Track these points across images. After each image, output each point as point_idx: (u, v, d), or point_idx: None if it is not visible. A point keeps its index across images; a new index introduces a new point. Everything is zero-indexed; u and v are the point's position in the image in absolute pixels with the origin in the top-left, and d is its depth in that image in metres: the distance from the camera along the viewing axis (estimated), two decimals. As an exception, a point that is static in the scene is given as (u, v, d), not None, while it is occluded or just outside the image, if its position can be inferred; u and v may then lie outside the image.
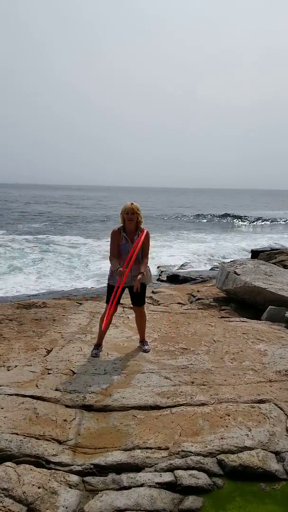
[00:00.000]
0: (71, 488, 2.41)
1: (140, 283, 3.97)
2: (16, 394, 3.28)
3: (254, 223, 35.58)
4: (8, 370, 3.79)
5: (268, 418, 3.12)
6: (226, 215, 40.50)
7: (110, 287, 4.12)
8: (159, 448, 2.74)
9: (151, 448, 2.74)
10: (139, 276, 3.87)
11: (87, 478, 2.50)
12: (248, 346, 4.61)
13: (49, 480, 2.43)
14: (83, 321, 5.31)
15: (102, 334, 4.29)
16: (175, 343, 4.64)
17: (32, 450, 2.64)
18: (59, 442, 2.77)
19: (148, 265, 4.15)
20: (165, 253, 16.42)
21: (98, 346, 4.28)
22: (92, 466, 2.57)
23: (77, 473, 2.52)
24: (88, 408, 3.19)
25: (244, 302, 6.60)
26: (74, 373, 3.76)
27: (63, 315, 5.57)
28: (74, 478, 2.48)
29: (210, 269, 13.43)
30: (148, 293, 7.56)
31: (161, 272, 12.40)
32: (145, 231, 4.04)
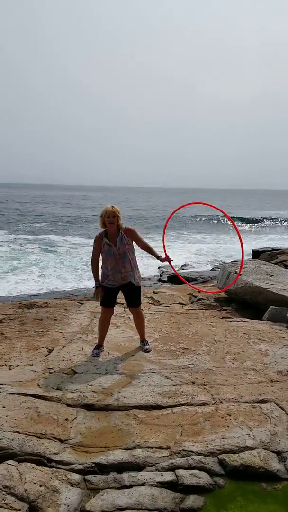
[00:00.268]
0: (73, 486, 2.42)
1: (133, 285, 4.12)
2: (18, 393, 3.29)
3: (255, 224, 35.56)
4: (10, 369, 3.80)
5: (270, 418, 3.12)
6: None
7: (104, 289, 4.17)
8: (160, 448, 2.75)
9: (152, 448, 2.74)
10: (168, 260, 4.19)
11: (88, 477, 2.51)
12: (249, 346, 4.61)
13: (51, 478, 2.44)
14: (84, 321, 5.33)
15: (102, 336, 4.33)
16: (176, 343, 4.64)
17: (34, 448, 2.65)
18: (61, 441, 2.77)
19: (139, 267, 4.28)
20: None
21: (99, 346, 4.30)
22: (93, 465, 2.57)
23: (78, 471, 2.53)
24: (90, 407, 3.19)
25: (245, 302, 6.59)
26: (75, 372, 3.77)
27: (64, 315, 5.58)
28: (76, 477, 2.49)
29: (211, 270, 13.41)
30: (149, 293, 7.57)
31: (162, 272, 12.39)
32: (128, 231, 4.11)
